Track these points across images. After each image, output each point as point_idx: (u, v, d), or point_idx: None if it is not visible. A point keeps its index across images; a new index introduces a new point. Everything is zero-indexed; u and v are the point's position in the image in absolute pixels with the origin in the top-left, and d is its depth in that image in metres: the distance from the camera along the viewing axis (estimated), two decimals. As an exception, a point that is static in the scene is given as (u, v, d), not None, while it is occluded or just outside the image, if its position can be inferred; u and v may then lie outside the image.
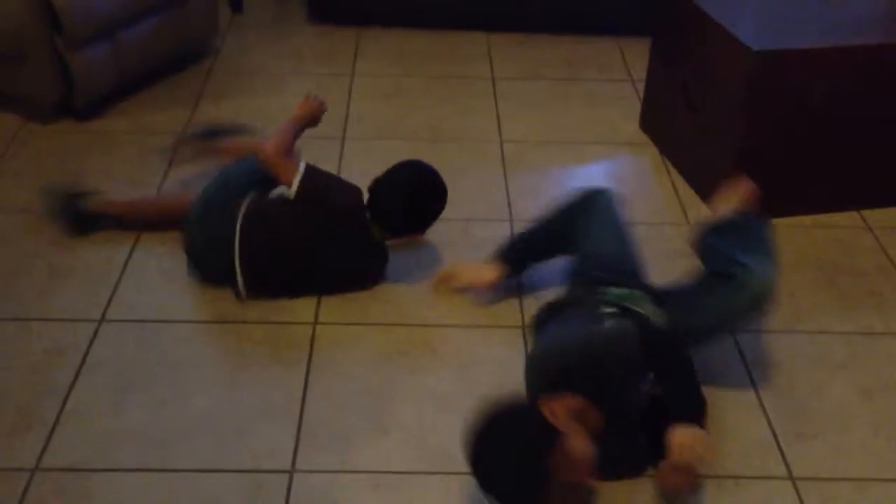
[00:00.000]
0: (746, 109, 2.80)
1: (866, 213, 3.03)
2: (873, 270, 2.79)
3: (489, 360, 2.44)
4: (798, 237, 2.93)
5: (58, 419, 2.21)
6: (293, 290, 2.62)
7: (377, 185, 2.57)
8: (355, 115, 3.53)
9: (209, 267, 2.63)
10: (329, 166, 3.16)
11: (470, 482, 2.07)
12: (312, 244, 2.55)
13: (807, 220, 3.00)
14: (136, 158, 3.21)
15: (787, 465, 2.16)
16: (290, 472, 2.11)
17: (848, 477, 2.14)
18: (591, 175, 3.23)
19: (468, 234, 2.90)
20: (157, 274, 2.69)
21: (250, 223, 2.54)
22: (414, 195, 2.55)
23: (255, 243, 2.54)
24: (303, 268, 2.58)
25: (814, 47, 2.75)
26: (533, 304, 2.59)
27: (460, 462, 2.12)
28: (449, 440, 2.18)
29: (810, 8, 3.03)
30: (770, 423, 2.26)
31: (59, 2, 3.12)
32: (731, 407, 2.30)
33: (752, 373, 2.40)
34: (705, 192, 3.06)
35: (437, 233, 2.85)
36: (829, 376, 2.41)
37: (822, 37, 2.82)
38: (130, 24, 3.41)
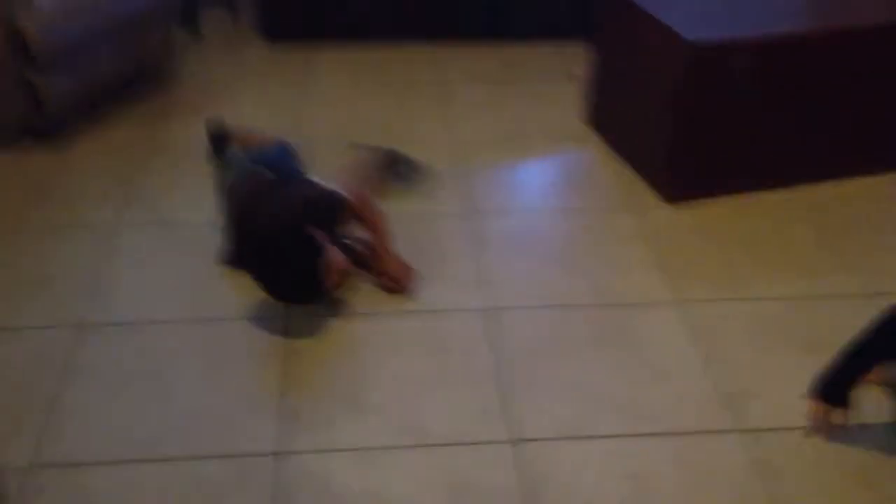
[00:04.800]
0: (684, 96, 3.01)
1: (797, 188, 3.25)
2: (798, 241, 3.01)
3: (455, 343, 2.59)
4: (742, 212, 3.14)
5: (48, 420, 2.32)
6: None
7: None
8: (311, 123, 3.68)
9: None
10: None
11: (448, 452, 2.24)
12: None
13: (747, 196, 3.21)
14: (105, 175, 3.33)
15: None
16: (276, 455, 2.24)
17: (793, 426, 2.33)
18: (543, 168, 3.41)
19: (437, 228, 3.07)
20: (132, 278, 2.81)
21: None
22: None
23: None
24: None
25: (743, 36, 2.96)
26: (496, 289, 2.77)
27: (437, 435, 2.29)
28: (425, 416, 2.35)
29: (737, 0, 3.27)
30: (716, 384, 2.45)
31: (28, 31, 3.23)
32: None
33: (697, 341, 2.60)
34: (650, 177, 3.26)
35: (407, 229, 3.00)
36: (770, 339, 2.61)
37: (751, 25, 3.04)
38: (94, 48, 3.52)
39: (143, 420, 2.33)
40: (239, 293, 2.75)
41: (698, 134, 3.08)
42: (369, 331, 2.64)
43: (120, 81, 3.76)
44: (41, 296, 2.74)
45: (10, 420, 2.32)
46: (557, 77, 4.05)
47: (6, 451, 2.22)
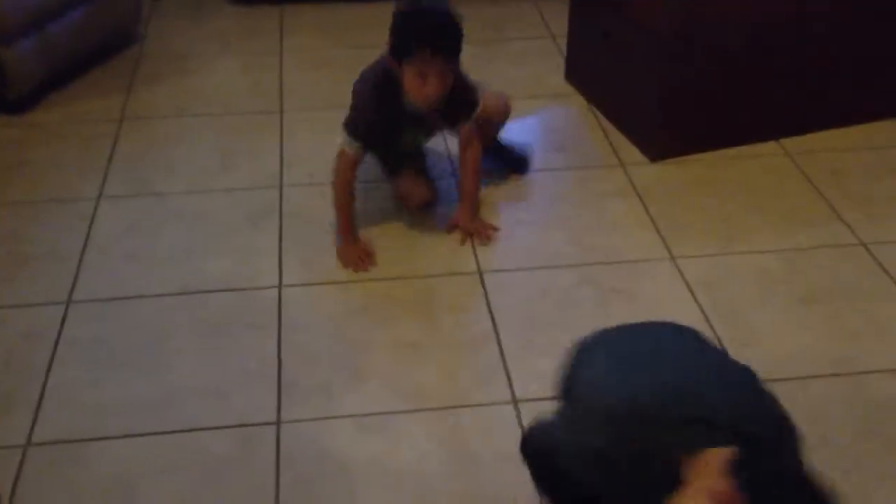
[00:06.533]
0: (667, 52, 2.97)
1: (784, 140, 3.23)
2: (792, 192, 3.00)
3: (450, 306, 2.57)
4: (728, 167, 3.12)
5: (41, 397, 2.27)
6: None
7: None
8: (289, 88, 3.60)
9: None
10: (271, 139, 3.25)
11: (448, 415, 2.22)
12: None
13: (732, 151, 3.19)
14: (78, 147, 3.24)
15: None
16: (277, 424, 2.21)
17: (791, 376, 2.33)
18: (523, 127, 3.37)
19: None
20: (116, 253, 2.75)
21: None
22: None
23: None
24: None
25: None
26: (486, 251, 2.74)
27: (436, 399, 2.27)
28: (422, 380, 2.32)
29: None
30: (717, 336, 2.44)
31: (-17, -4, 3.13)
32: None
33: (695, 293, 2.59)
34: (634, 134, 3.23)
35: (386, 191, 2.96)
36: (768, 290, 2.60)
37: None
38: (58, 16, 3.42)
39: (137, 395, 2.28)
40: (226, 264, 2.70)
41: (685, 90, 3.05)
42: (366, 297, 2.60)
43: (88, 49, 3.65)
44: (25, 273, 2.67)
45: (1, 399, 2.26)
46: (538, 34, 4.00)
47: (1, 428, 2.17)
